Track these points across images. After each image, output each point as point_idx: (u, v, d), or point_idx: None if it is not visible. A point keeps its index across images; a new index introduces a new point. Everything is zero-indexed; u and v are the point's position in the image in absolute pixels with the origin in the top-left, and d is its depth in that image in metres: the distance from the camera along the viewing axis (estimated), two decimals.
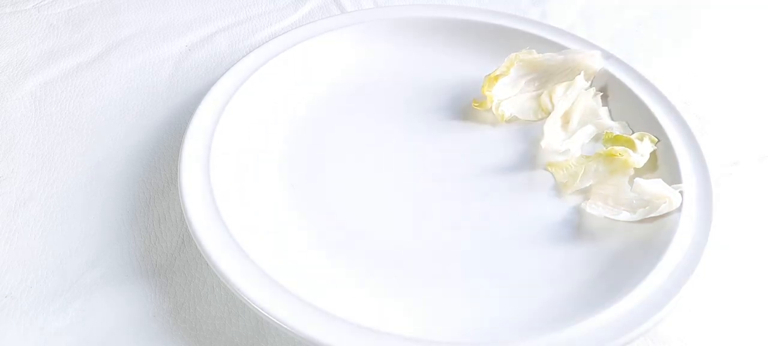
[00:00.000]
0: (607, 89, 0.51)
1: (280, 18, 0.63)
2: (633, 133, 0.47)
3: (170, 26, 0.60)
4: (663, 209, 0.40)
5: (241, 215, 0.40)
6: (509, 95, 0.51)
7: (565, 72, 0.51)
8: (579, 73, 0.51)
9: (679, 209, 0.40)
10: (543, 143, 0.47)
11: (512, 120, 0.50)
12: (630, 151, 0.44)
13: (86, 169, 0.46)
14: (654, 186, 0.41)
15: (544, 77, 0.52)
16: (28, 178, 0.45)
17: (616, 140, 0.46)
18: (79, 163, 0.46)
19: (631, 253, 0.40)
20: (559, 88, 0.50)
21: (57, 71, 0.55)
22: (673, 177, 0.43)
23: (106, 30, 0.60)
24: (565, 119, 0.49)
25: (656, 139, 0.45)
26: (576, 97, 0.49)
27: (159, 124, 0.50)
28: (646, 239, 0.40)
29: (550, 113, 0.49)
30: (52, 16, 0.61)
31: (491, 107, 0.49)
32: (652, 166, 0.45)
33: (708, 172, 0.43)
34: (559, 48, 0.53)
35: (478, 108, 0.50)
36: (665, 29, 0.64)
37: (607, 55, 0.52)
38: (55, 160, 0.46)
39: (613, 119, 0.49)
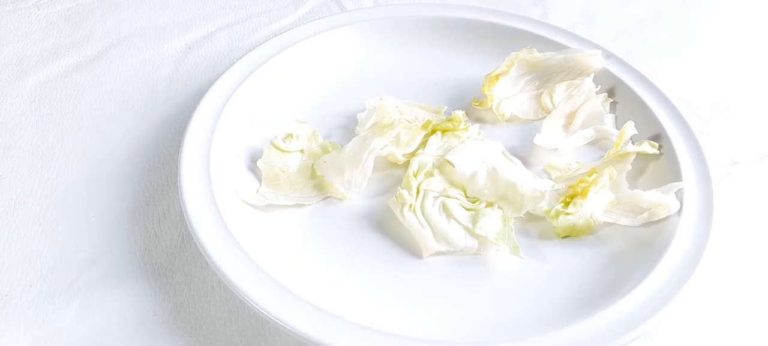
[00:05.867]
0: (611, 92, 0.51)
1: (280, 16, 0.62)
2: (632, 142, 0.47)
3: (170, 25, 0.60)
4: (662, 214, 0.40)
5: (240, 215, 0.40)
6: (509, 95, 0.51)
7: (566, 71, 0.51)
8: (579, 73, 0.51)
9: (679, 210, 0.40)
10: (536, 139, 0.46)
11: (513, 119, 0.50)
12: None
13: (86, 168, 0.46)
14: (653, 196, 0.41)
15: (545, 77, 0.52)
16: (28, 176, 0.45)
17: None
18: (79, 162, 0.46)
19: (631, 253, 0.40)
20: (560, 88, 0.50)
21: (57, 70, 0.55)
22: (674, 177, 0.43)
23: (106, 28, 0.60)
24: (569, 119, 0.49)
25: (657, 145, 0.45)
26: (585, 100, 0.49)
27: (159, 124, 0.50)
28: (646, 239, 0.40)
29: (550, 112, 0.49)
30: (52, 14, 0.61)
31: (491, 106, 0.49)
32: (654, 172, 0.45)
33: (708, 172, 0.43)
34: (559, 47, 0.53)
35: (479, 107, 0.50)
36: (666, 29, 0.64)
37: (608, 55, 0.52)
38: (55, 158, 0.46)
39: (617, 127, 0.49)
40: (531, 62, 0.52)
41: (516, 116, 0.50)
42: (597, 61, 0.51)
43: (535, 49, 0.52)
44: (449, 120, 0.46)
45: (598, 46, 0.53)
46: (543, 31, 0.55)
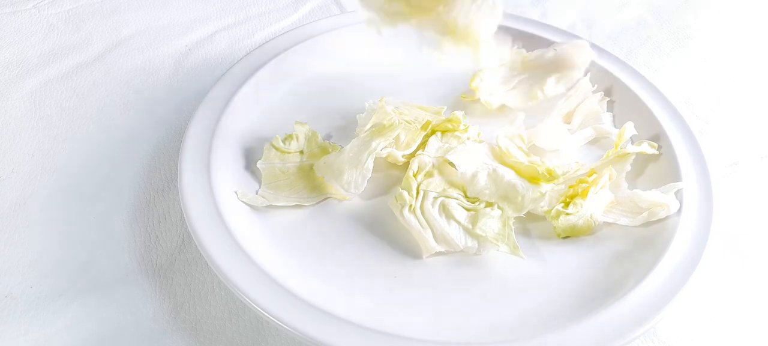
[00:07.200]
0: (611, 91, 0.51)
1: (280, 18, 0.63)
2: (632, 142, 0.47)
3: (170, 26, 0.61)
4: (662, 214, 0.40)
5: (241, 216, 0.40)
6: (500, 91, 0.51)
7: (558, 66, 0.51)
8: (571, 67, 0.50)
9: (679, 210, 0.41)
10: (537, 139, 0.46)
11: (502, 109, 0.50)
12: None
13: (86, 169, 0.46)
14: (652, 196, 0.41)
15: (538, 76, 0.52)
16: (28, 178, 0.45)
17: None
18: (79, 163, 0.46)
19: (631, 253, 0.40)
20: (551, 80, 0.50)
21: (57, 71, 0.55)
22: (673, 177, 0.43)
23: (106, 30, 0.60)
24: (566, 120, 0.49)
25: (656, 146, 0.45)
26: (582, 100, 0.49)
27: (159, 125, 0.50)
28: (647, 239, 0.40)
29: (538, 100, 0.49)
30: (52, 16, 0.61)
31: (479, 98, 0.50)
32: (653, 172, 0.45)
33: (708, 172, 0.43)
34: None
35: (467, 100, 0.50)
36: (665, 29, 0.64)
37: (600, 51, 0.52)
38: (55, 160, 0.46)
39: (616, 126, 0.49)
40: (523, 62, 0.51)
41: (505, 105, 0.50)
42: (585, 53, 0.50)
43: (523, 50, 0.52)
44: (449, 121, 0.46)
45: (597, 47, 0.53)
46: (542, 31, 0.55)
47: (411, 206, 0.40)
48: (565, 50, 0.51)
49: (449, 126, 0.46)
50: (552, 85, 0.50)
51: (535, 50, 0.52)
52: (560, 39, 0.54)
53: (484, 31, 0.42)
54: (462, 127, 0.46)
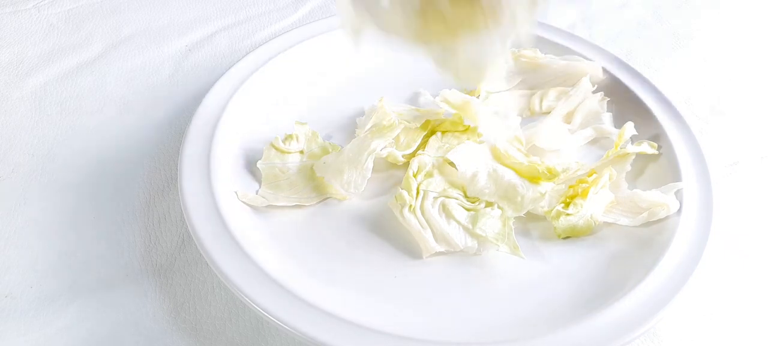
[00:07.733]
0: (611, 91, 0.51)
1: (280, 18, 0.63)
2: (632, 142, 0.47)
3: (170, 26, 0.60)
4: (662, 214, 0.40)
5: (241, 215, 0.40)
6: (501, 89, 0.51)
7: (563, 78, 0.51)
8: (576, 81, 0.51)
9: (679, 210, 0.41)
10: (537, 139, 0.46)
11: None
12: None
13: (86, 169, 0.46)
14: (652, 196, 0.41)
15: (541, 80, 0.52)
16: (28, 178, 0.45)
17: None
18: (79, 163, 0.46)
19: (631, 253, 0.40)
20: (552, 92, 0.51)
21: (57, 71, 0.55)
22: (674, 177, 0.43)
23: (106, 30, 0.60)
24: (566, 119, 0.49)
25: (656, 146, 0.45)
26: (581, 100, 0.49)
27: (159, 125, 0.50)
28: (647, 240, 0.40)
29: (535, 114, 0.50)
30: (53, 16, 0.61)
31: (478, 97, 0.50)
32: (653, 172, 0.45)
33: (708, 172, 0.43)
34: (558, 48, 0.53)
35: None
36: (665, 29, 0.64)
37: (611, 59, 0.52)
38: (55, 160, 0.46)
39: (616, 126, 0.49)
40: (532, 62, 0.52)
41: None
42: (597, 72, 0.51)
43: (538, 49, 0.52)
44: (449, 121, 0.46)
45: (597, 47, 0.53)
46: (542, 31, 0.55)
47: (411, 206, 0.40)
48: (578, 65, 0.51)
49: (449, 126, 0.46)
50: (551, 99, 0.50)
51: (549, 55, 0.52)
52: (560, 39, 0.54)
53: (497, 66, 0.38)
54: (462, 127, 0.46)
